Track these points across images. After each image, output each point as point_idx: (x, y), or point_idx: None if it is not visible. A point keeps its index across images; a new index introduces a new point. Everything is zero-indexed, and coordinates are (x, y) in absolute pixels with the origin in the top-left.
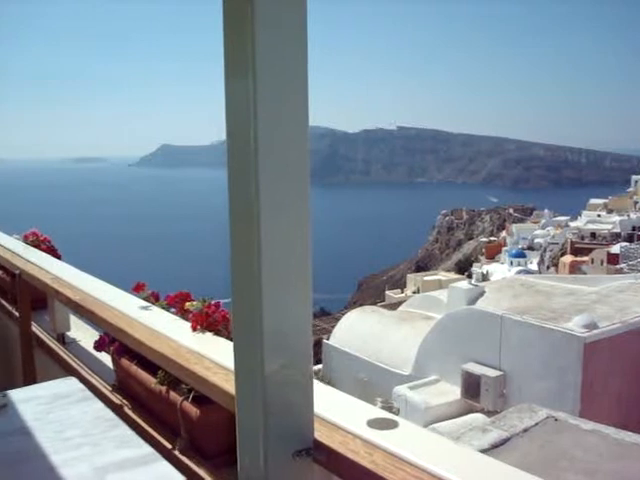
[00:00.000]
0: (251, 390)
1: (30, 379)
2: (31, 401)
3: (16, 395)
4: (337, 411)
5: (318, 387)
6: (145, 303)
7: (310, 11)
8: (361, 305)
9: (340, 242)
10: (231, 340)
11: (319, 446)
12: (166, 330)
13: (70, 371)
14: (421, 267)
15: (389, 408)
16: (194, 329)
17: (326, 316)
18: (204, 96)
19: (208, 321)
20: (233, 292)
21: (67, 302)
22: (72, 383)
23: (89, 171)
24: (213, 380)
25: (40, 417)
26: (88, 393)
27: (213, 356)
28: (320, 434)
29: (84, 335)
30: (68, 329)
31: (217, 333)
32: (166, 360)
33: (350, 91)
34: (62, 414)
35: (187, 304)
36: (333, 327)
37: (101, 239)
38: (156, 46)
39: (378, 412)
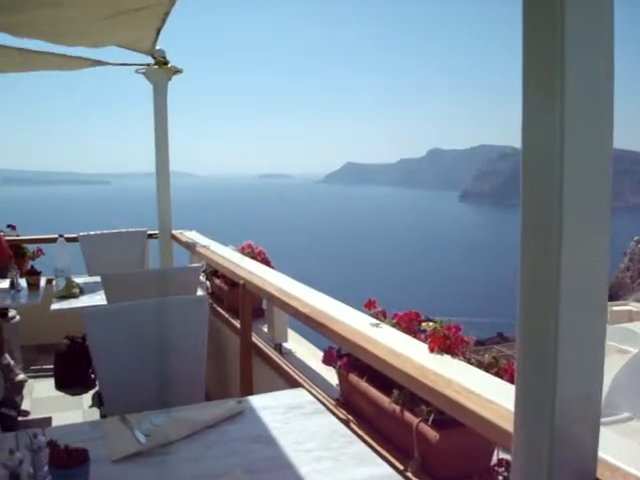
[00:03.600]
0: (536, 422)
1: (247, 387)
2: (267, 410)
3: (250, 403)
4: (617, 452)
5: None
6: (374, 320)
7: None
8: None
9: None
10: (469, 363)
11: None
12: (403, 349)
13: (290, 382)
14: (610, 296)
15: None
16: (431, 350)
17: (506, 342)
18: (386, 116)
19: (446, 343)
20: (522, 314)
21: (295, 314)
22: (302, 394)
23: (275, 187)
24: (466, 404)
25: (278, 427)
26: (319, 406)
27: (459, 379)
28: (602, 477)
29: (299, 347)
30: (285, 340)
31: (454, 356)
32: (411, 380)
33: None
34: (298, 425)
35: (424, 324)
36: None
37: (292, 252)
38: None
39: None
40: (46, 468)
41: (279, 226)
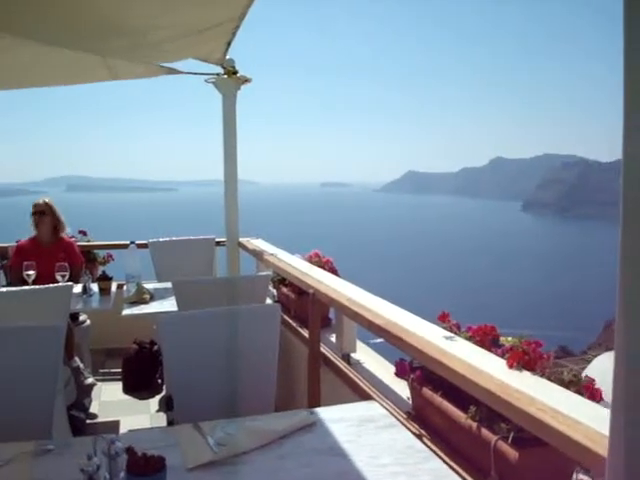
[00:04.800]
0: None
1: (315, 397)
2: (339, 422)
3: (322, 414)
4: None
5: None
6: (448, 333)
7: None
8: (609, 348)
9: (582, 276)
10: (549, 380)
11: None
12: (480, 364)
13: (358, 393)
14: None
15: None
16: (510, 366)
17: (570, 356)
18: (448, 124)
19: (525, 359)
20: (624, 334)
21: (368, 325)
22: (374, 407)
23: (335, 196)
24: (553, 424)
25: (352, 439)
26: (392, 420)
27: (541, 397)
28: None
29: (366, 357)
30: (354, 350)
31: (533, 372)
32: (491, 397)
33: (601, 116)
34: (372, 439)
35: (502, 339)
36: (582, 369)
37: (353, 261)
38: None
39: None
40: (122, 474)
41: (338, 235)
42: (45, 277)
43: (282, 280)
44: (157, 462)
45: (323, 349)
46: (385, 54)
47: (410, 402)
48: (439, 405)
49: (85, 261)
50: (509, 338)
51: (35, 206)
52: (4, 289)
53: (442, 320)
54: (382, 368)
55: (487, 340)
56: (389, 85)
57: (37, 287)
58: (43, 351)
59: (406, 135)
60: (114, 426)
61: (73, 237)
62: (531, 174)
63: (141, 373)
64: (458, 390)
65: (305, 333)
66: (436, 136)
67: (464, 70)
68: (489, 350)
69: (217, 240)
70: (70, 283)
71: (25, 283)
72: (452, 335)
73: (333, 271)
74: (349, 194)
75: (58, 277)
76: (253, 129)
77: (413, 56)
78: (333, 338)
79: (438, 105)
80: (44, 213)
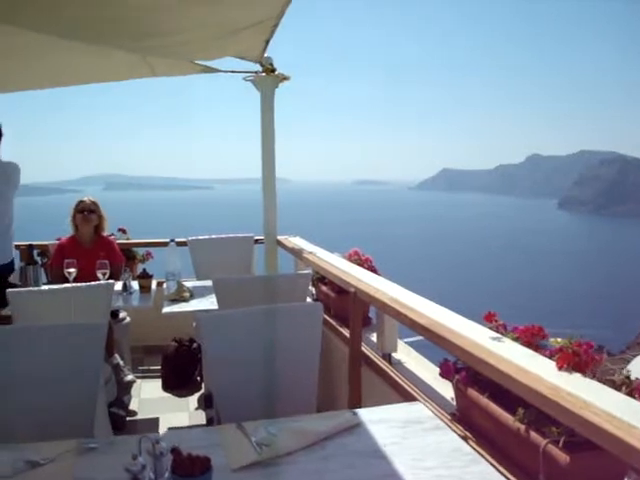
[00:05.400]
0: None
1: (356, 397)
2: (383, 423)
3: (366, 415)
4: None
5: None
6: (495, 334)
7: None
8: None
9: (619, 275)
10: (600, 382)
11: None
12: (529, 365)
13: (400, 394)
14: None
15: None
16: (560, 368)
17: (608, 356)
18: (483, 120)
19: (576, 361)
20: None
21: (412, 325)
22: (419, 409)
23: (369, 193)
24: (609, 429)
25: (397, 441)
26: (439, 422)
27: (595, 401)
28: None
29: (407, 357)
30: (395, 350)
31: (584, 374)
32: (543, 399)
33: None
34: (418, 441)
35: (552, 340)
36: (621, 369)
37: (388, 259)
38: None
39: None
40: (167, 474)
41: (373, 233)
42: (86, 275)
43: (321, 278)
44: (203, 463)
45: (364, 348)
46: (424, 52)
47: (454, 403)
48: (485, 407)
49: (125, 259)
50: (559, 339)
51: (81, 204)
52: (46, 287)
53: (488, 320)
54: (423, 368)
55: (534, 341)
56: (426, 83)
57: (80, 285)
58: (86, 349)
59: (441, 132)
60: (154, 423)
61: (113, 235)
62: (567, 171)
63: (180, 370)
64: (505, 392)
65: (345, 332)
66: (471, 133)
67: (500, 67)
68: (536, 351)
69: (256, 238)
70: (111, 281)
71: (66, 281)
72: (499, 336)
73: (372, 269)
74: (384, 192)
75: (99, 275)
76: (285, 127)
77: (448, 53)
78: (373, 337)
79: (473, 102)
80: (92, 212)
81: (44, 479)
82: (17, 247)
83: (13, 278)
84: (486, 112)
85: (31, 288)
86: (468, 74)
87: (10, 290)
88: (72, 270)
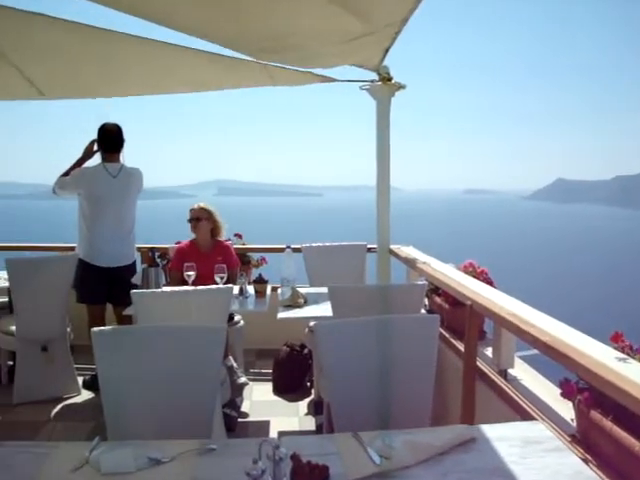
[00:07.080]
0: None
1: (469, 413)
2: (502, 441)
3: (484, 432)
4: None
5: None
6: (621, 354)
7: None
8: None
9: None
10: None
11: None
12: None
13: (516, 411)
14: None
15: None
16: None
17: None
18: (601, 128)
19: None
20: None
21: (533, 341)
22: (539, 429)
23: (479, 203)
24: None
25: (516, 460)
26: (559, 443)
27: None
28: None
29: (524, 374)
30: (512, 366)
31: None
32: None
33: None
34: (538, 462)
35: None
36: None
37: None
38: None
39: None
40: None
41: (484, 244)
42: (203, 278)
43: (435, 289)
44: (322, 471)
45: (478, 363)
46: (538, 57)
47: (573, 424)
48: (609, 430)
49: (240, 263)
50: None
51: (191, 212)
52: (168, 288)
53: (614, 340)
54: (540, 386)
55: None
56: (540, 90)
57: (200, 287)
58: (206, 351)
59: (556, 140)
60: (264, 426)
61: (229, 240)
62: None
63: (291, 375)
64: (631, 415)
65: (458, 345)
66: (588, 141)
67: (618, 72)
68: None
69: (368, 247)
70: (230, 285)
71: (184, 284)
72: (625, 357)
73: (488, 282)
74: (495, 201)
75: (217, 279)
76: (397, 135)
77: (564, 58)
78: (488, 352)
79: (590, 109)
80: (199, 219)
81: (165, 477)
82: (138, 249)
83: (135, 279)
84: (602, 120)
85: (153, 290)
86: (586, 81)
87: (134, 291)
88: (191, 273)
